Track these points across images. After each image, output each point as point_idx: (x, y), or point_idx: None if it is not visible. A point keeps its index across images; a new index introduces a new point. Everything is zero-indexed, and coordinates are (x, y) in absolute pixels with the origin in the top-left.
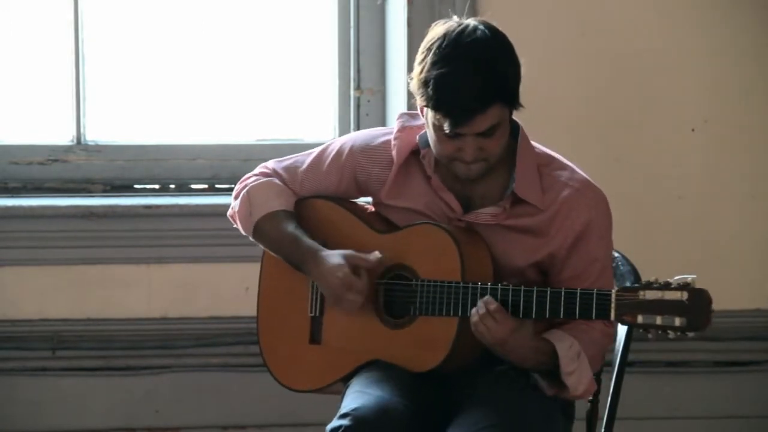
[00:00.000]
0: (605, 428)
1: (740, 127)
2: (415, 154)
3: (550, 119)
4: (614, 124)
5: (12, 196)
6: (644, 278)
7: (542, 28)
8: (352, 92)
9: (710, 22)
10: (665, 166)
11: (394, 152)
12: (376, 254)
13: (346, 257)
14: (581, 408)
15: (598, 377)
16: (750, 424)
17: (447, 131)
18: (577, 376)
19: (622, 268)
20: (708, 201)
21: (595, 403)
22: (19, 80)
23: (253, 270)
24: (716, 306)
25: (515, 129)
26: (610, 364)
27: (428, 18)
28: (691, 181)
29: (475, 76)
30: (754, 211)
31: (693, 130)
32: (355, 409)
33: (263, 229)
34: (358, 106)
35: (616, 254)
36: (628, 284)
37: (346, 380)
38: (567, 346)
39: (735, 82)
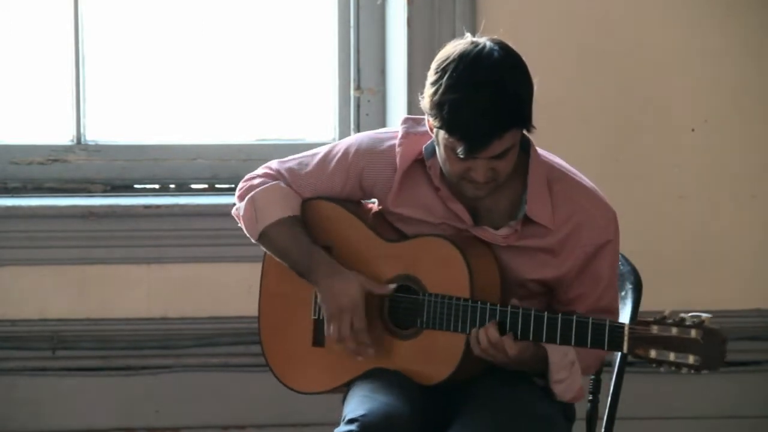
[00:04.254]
0: (605, 428)
1: (740, 127)
2: (419, 162)
3: (551, 120)
4: (614, 124)
5: (12, 196)
6: (644, 280)
7: (543, 28)
8: (352, 92)
9: (710, 22)
10: (665, 166)
11: (397, 159)
12: (391, 287)
13: (361, 284)
14: (581, 408)
15: (598, 377)
16: (750, 424)
17: (461, 156)
18: (566, 385)
19: (622, 268)
20: (708, 201)
21: (595, 403)
22: (19, 80)
23: (253, 270)
24: (716, 306)
25: (525, 143)
26: (610, 364)
27: (428, 18)
28: (691, 181)
29: (492, 103)
30: (754, 211)
31: (693, 130)
32: (363, 415)
33: (270, 235)
34: (358, 106)
35: None
36: (629, 287)
37: (349, 384)
38: (561, 354)
39: (735, 82)
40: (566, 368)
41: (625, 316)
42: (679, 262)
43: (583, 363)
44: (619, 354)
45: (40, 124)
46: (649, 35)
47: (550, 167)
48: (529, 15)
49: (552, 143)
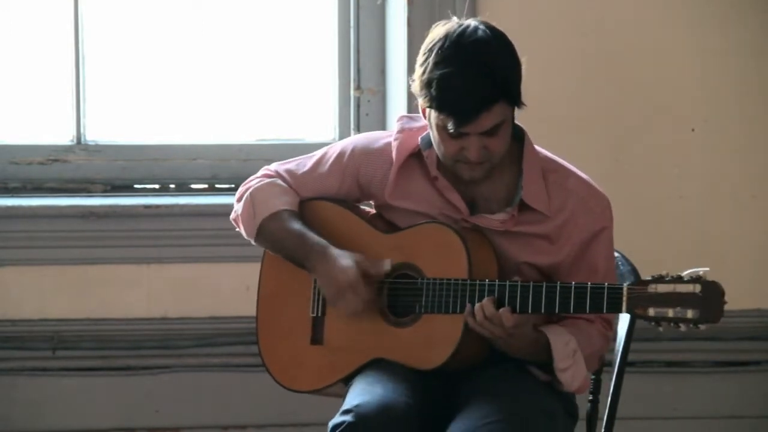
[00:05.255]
0: (605, 428)
1: (740, 127)
2: (415, 156)
3: (550, 119)
4: (614, 124)
5: (12, 196)
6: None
7: (542, 28)
8: (352, 92)
9: (710, 22)
10: (665, 166)
11: (393, 153)
12: (387, 266)
13: (357, 262)
14: (581, 408)
15: (598, 377)
16: (750, 424)
17: (451, 131)
18: (571, 373)
19: (621, 267)
20: (708, 201)
21: (595, 403)
22: (19, 80)
23: (253, 269)
24: None
25: (520, 134)
26: (610, 364)
27: (428, 18)
28: (691, 181)
29: (478, 75)
30: (754, 211)
31: (693, 130)
32: (357, 406)
33: (267, 228)
34: (358, 106)
35: (616, 254)
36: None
37: (347, 380)
38: (563, 343)
39: (735, 82)
40: (569, 356)
41: (624, 315)
42: (679, 262)
43: (584, 352)
44: (619, 354)
45: (40, 124)
46: (649, 35)
47: (545, 159)
48: (530, 15)
49: (552, 143)
